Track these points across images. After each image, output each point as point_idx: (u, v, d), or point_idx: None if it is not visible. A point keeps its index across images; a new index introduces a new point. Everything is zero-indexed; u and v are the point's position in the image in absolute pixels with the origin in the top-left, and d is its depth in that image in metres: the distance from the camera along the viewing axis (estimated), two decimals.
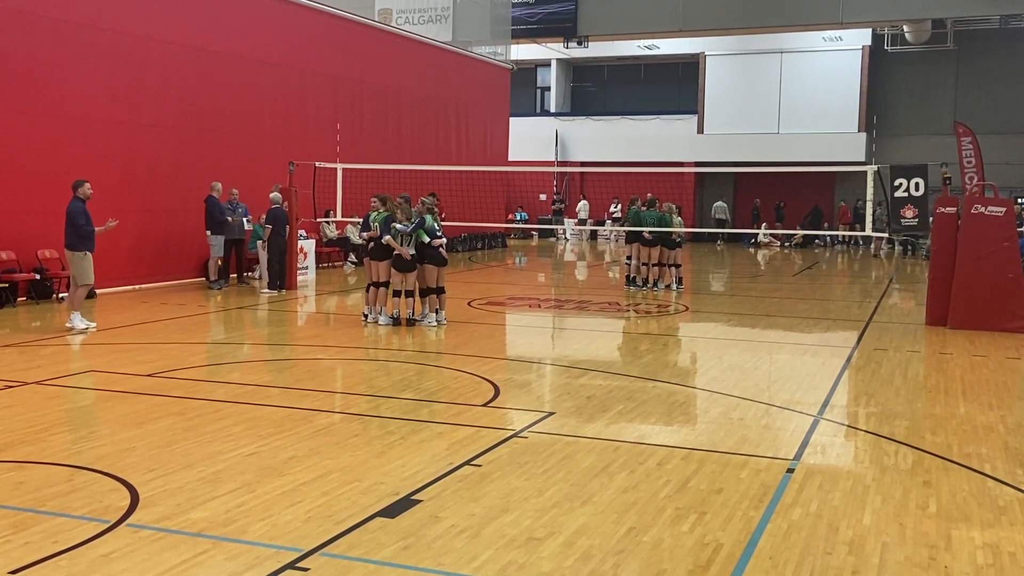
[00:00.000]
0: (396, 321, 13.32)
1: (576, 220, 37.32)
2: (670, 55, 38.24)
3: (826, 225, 34.58)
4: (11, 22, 14.93)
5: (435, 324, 13.34)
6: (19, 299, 14.77)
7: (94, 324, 12.32)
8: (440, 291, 13.47)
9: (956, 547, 5.37)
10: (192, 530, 5.36)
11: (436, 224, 13.26)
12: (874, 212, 16.67)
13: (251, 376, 10.20)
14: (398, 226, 12.90)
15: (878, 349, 12.25)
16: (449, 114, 28.05)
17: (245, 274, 18.59)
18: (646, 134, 37.44)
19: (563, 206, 38.38)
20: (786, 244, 34.76)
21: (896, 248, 31.29)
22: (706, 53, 37.30)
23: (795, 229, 32.43)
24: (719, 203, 36.77)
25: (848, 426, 8.32)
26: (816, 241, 35.52)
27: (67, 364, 10.38)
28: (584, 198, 38.52)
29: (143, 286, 17.07)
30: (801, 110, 35.72)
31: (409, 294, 13.32)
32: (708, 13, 29.86)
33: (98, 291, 15.30)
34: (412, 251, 13.01)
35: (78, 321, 12.18)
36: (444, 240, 13.44)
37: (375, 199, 13.86)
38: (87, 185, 12.47)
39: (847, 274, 25.58)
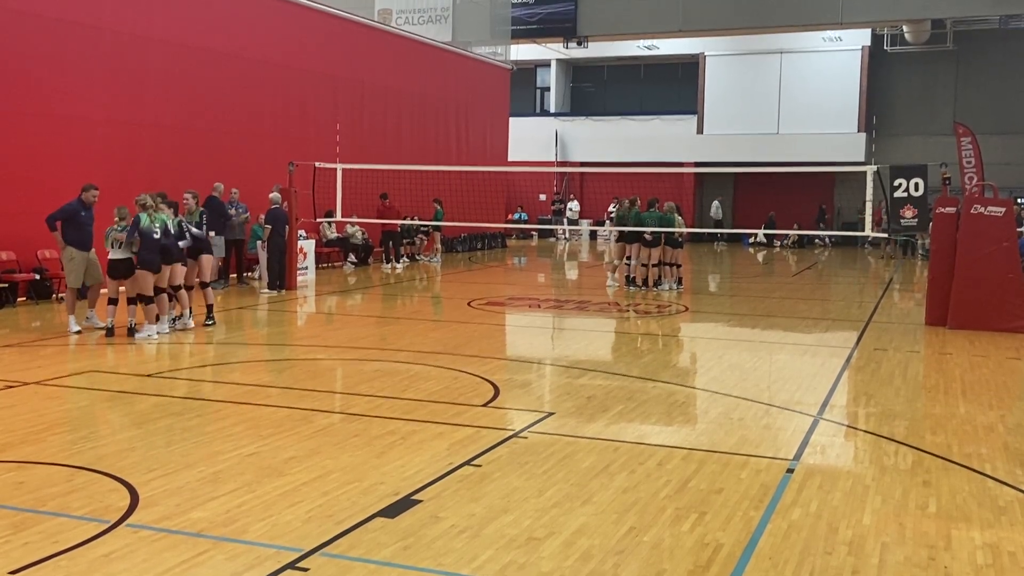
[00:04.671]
0: (110, 331, 11.84)
1: (566, 220, 37.37)
2: (670, 55, 38.26)
3: (821, 226, 34.60)
4: (11, 22, 14.94)
5: (153, 336, 11.82)
6: (19, 299, 14.77)
7: (77, 328, 12.04)
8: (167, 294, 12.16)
9: (956, 547, 5.37)
10: (192, 530, 5.36)
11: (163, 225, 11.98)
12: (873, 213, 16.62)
13: (251, 376, 10.20)
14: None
15: (878, 349, 12.25)
16: (449, 114, 28.05)
17: (245, 274, 18.60)
18: (646, 134, 37.46)
19: (563, 206, 38.41)
20: (784, 244, 34.83)
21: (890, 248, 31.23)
22: (706, 53, 37.31)
23: (790, 231, 32.53)
24: (715, 203, 36.89)
25: (848, 426, 8.32)
26: (816, 241, 35.57)
27: (67, 364, 10.38)
28: (574, 198, 38.55)
29: None
30: (801, 110, 35.74)
31: (131, 301, 12.02)
32: (708, 13, 29.87)
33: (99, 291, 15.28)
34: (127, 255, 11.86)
35: (71, 324, 12.10)
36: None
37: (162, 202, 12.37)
38: (93, 192, 12.37)
39: (846, 274, 25.58)
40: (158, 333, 11.86)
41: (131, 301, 12.05)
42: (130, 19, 17.01)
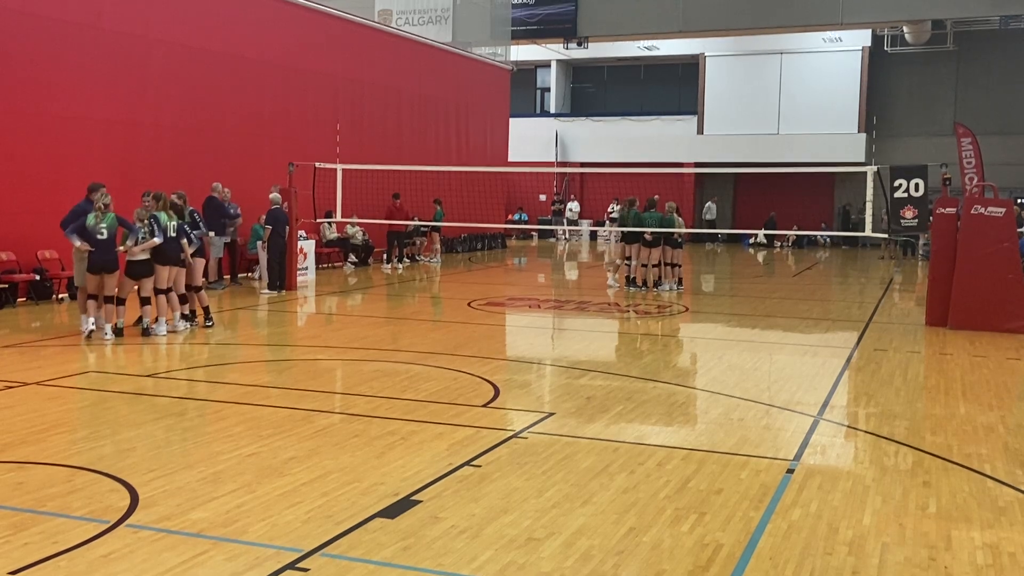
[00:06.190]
0: (120, 332, 11.84)
1: (566, 221, 37.37)
2: (670, 56, 38.27)
3: (823, 226, 34.62)
4: (11, 22, 14.94)
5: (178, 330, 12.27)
6: (19, 299, 14.77)
7: (91, 326, 11.91)
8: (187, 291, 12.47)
9: (956, 547, 5.37)
10: (192, 530, 5.36)
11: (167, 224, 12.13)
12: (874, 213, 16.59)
13: (251, 376, 10.20)
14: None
15: (878, 349, 12.25)
16: (449, 114, 28.05)
17: (247, 274, 18.60)
18: (646, 135, 37.47)
19: (563, 206, 38.41)
20: (783, 244, 34.85)
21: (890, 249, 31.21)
22: (706, 54, 37.32)
23: (790, 231, 32.56)
24: (709, 203, 36.93)
25: (848, 426, 8.32)
26: (819, 241, 35.58)
27: (67, 364, 10.37)
28: (574, 198, 38.54)
29: None
30: (801, 111, 35.75)
31: (145, 300, 12.06)
32: (708, 14, 29.87)
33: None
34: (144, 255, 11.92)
35: (84, 324, 11.92)
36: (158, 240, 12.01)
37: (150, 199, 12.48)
38: (100, 196, 11.98)
39: (846, 274, 25.58)
40: (105, 334, 11.71)
41: (144, 301, 12.09)
42: (130, 19, 17.01)
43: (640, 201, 18.65)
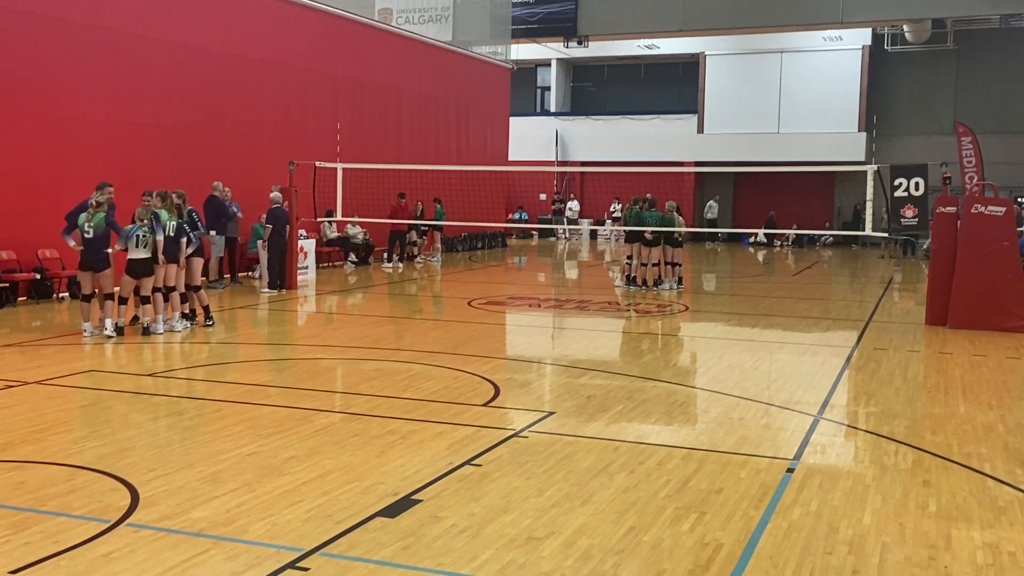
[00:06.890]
0: (120, 331, 11.85)
1: (566, 220, 37.38)
2: (670, 55, 38.24)
3: (827, 225, 34.61)
4: (11, 22, 14.94)
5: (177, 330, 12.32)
6: (19, 299, 14.77)
7: (88, 326, 11.91)
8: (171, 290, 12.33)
9: (956, 547, 5.37)
10: (192, 530, 5.37)
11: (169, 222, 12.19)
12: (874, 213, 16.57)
13: (251, 376, 10.21)
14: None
15: (878, 349, 12.25)
16: (449, 114, 28.05)
17: (248, 273, 18.59)
18: (646, 134, 37.44)
19: (563, 206, 38.42)
20: (783, 243, 34.86)
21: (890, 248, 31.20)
22: (706, 53, 37.30)
23: (789, 230, 32.58)
24: (711, 202, 36.92)
25: (848, 426, 8.32)
26: (820, 239, 35.59)
27: (67, 364, 10.37)
28: (574, 197, 38.54)
29: None
30: (801, 110, 35.72)
31: (145, 300, 12.06)
32: (708, 13, 29.85)
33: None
34: (147, 253, 11.91)
35: (84, 328, 11.89)
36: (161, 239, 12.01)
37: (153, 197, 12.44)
38: (95, 195, 11.90)
39: (846, 274, 25.58)
40: (94, 332, 11.80)
41: (144, 300, 12.09)
42: (130, 19, 17.01)
43: (641, 200, 18.65)
